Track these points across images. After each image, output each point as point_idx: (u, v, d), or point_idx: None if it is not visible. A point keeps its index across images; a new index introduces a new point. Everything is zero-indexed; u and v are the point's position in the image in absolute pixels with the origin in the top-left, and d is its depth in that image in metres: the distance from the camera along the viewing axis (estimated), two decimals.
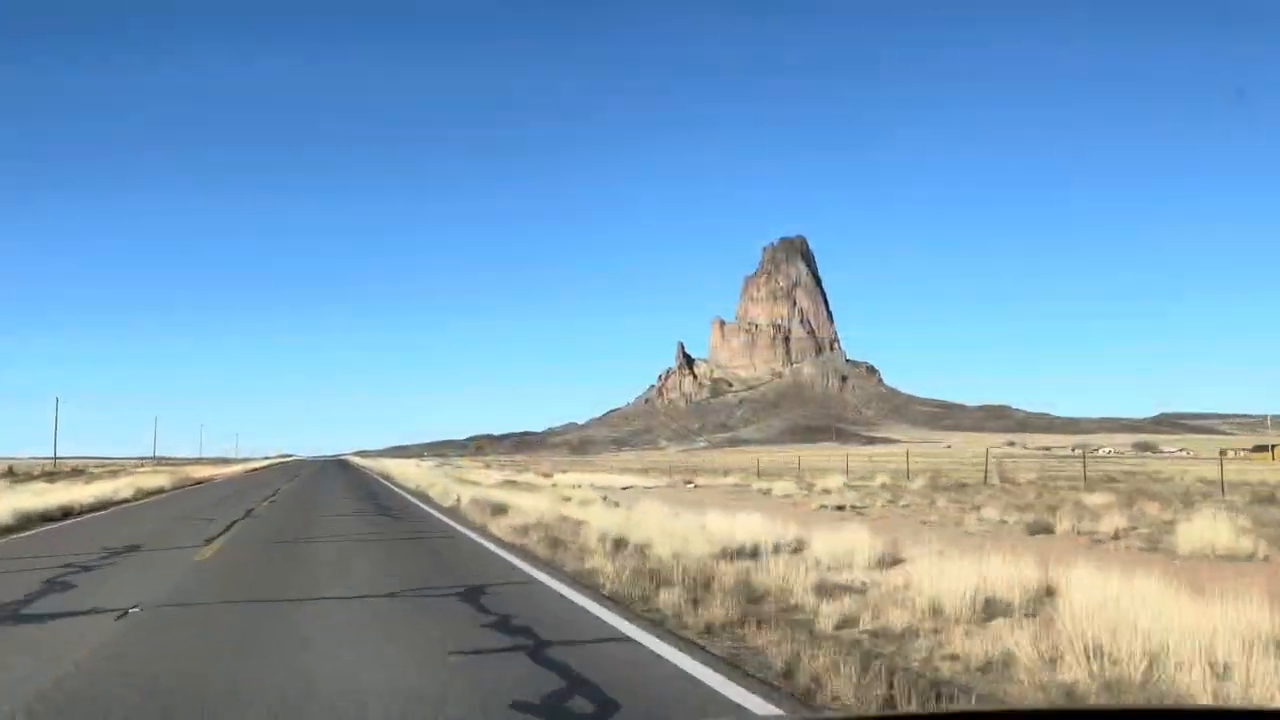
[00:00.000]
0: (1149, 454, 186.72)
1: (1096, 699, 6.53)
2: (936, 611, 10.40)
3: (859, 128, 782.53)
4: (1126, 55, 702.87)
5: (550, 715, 5.89)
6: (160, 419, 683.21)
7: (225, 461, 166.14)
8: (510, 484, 46.97)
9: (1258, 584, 9.74)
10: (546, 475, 66.23)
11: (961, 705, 6.13)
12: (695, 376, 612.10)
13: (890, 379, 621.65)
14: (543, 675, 6.84)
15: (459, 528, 20.66)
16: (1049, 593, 11.51)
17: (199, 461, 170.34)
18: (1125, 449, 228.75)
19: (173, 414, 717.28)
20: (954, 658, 8.01)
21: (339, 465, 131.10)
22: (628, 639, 8.31)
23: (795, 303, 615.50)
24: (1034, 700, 6.59)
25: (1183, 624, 7.78)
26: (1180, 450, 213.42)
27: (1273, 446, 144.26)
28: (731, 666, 7.39)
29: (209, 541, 17.50)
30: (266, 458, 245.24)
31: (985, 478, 39.34)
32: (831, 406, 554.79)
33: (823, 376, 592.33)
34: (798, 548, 16.53)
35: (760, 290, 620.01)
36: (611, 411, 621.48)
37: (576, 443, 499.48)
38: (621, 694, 6.34)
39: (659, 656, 7.67)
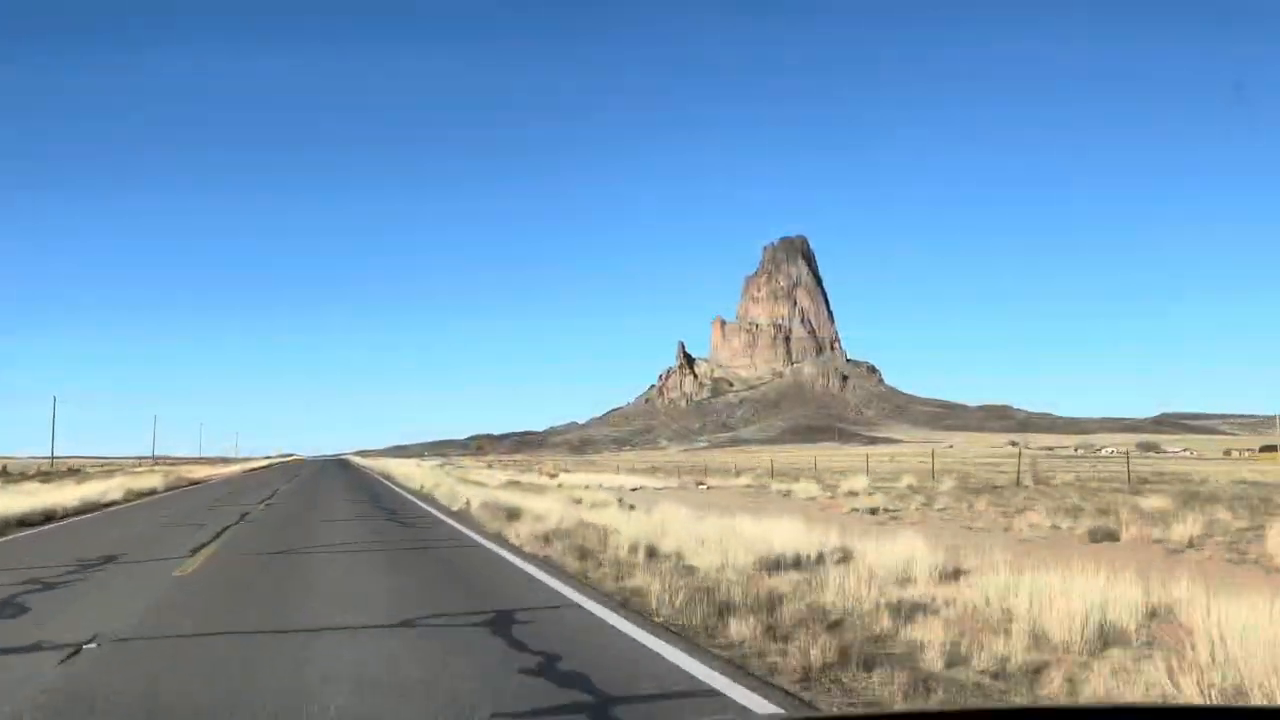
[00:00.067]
0: (1153, 454, 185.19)
1: None
2: (1041, 639, 8.71)
3: (859, 128, 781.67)
4: (1126, 55, 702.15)
5: None
6: (160, 419, 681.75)
7: (225, 461, 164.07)
8: (515, 484, 45.28)
9: None
10: (551, 475, 64.43)
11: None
12: (696, 376, 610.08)
13: (891, 379, 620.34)
14: None
15: (472, 535, 18.83)
16: (1153, 614, 9.83)
17: (198, 461, 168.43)
18: (1128, 449, 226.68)
19: (173, 414, 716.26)
20: None
21: (339, 465, 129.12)
22: (713, 691, 6.48)
23: (796, 302, 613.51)
24: None
25: None
26: (1184, 450, 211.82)
27: None
28: None
29: (195, 551, 15.67)
30: (267, 457, 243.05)
31: (1018, 479, 37.49)
32: (832, 406, 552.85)
33: (823, 376, 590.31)
34: (844, 557, 14.88)
35: (761, 290, 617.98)
36: (612, 411, 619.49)
37: (577, 442, 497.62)
38: None
39: None
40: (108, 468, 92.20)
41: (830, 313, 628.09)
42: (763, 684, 6.74)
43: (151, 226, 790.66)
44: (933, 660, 7.84)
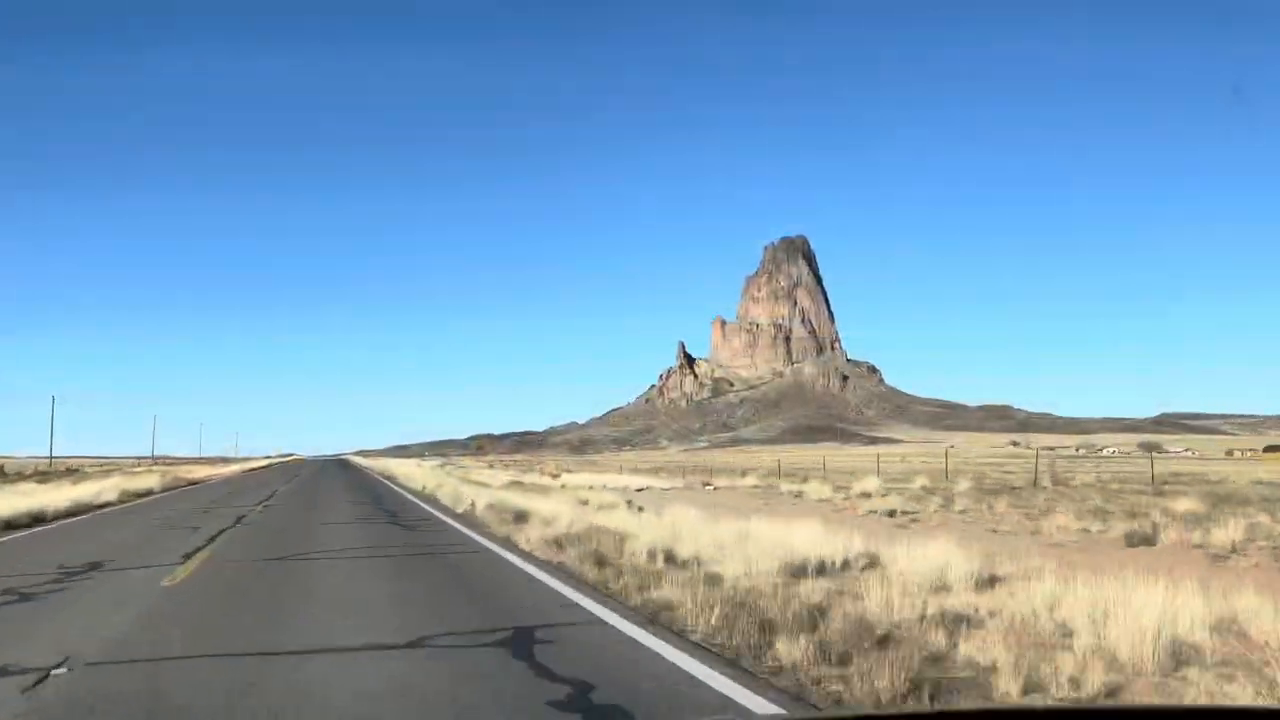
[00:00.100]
0: (1155, 454, 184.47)
1: None
2: (1109, 659, 7.86)
3: (859, 128, 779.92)
4: (1126, 55, 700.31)
5: None
6: (160, 419, 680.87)
7: (224, 461, 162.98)
8: (519, 485, 44.42)
9: None
10: (554, 476, 63.51)
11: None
12: (696, 376, 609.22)
13: (891, 379, 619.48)
14: None
15: (480, 539, 17.90)
16: (1218, 628, 9.00)
17: (198, 461, 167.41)
18: (1129, 449, 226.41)
19: (173, 414, 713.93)
20: None
21: (340, 465, 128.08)
22: None
23: (796, 302, 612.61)
24: None
25: None
26: (1186, 451, 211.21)
27: None
28: None
29: (188, 557, 14.76)
30: (267, 457, 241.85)
31: (1035, 480, 36.57)
32: (832, 406, 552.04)
33: (824, 376, 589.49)
34: (871, 562, 14.05)
35: (761, 290, 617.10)
36: (612, 411, 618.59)
37: (577, 442, 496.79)
38: None
39: None
40: (106, 468, 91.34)
41: (831, 313, 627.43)
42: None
43: (151, 226, 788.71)
44: (1006, 684, 6.97)
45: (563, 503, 25.34)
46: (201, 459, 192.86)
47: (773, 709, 5.93)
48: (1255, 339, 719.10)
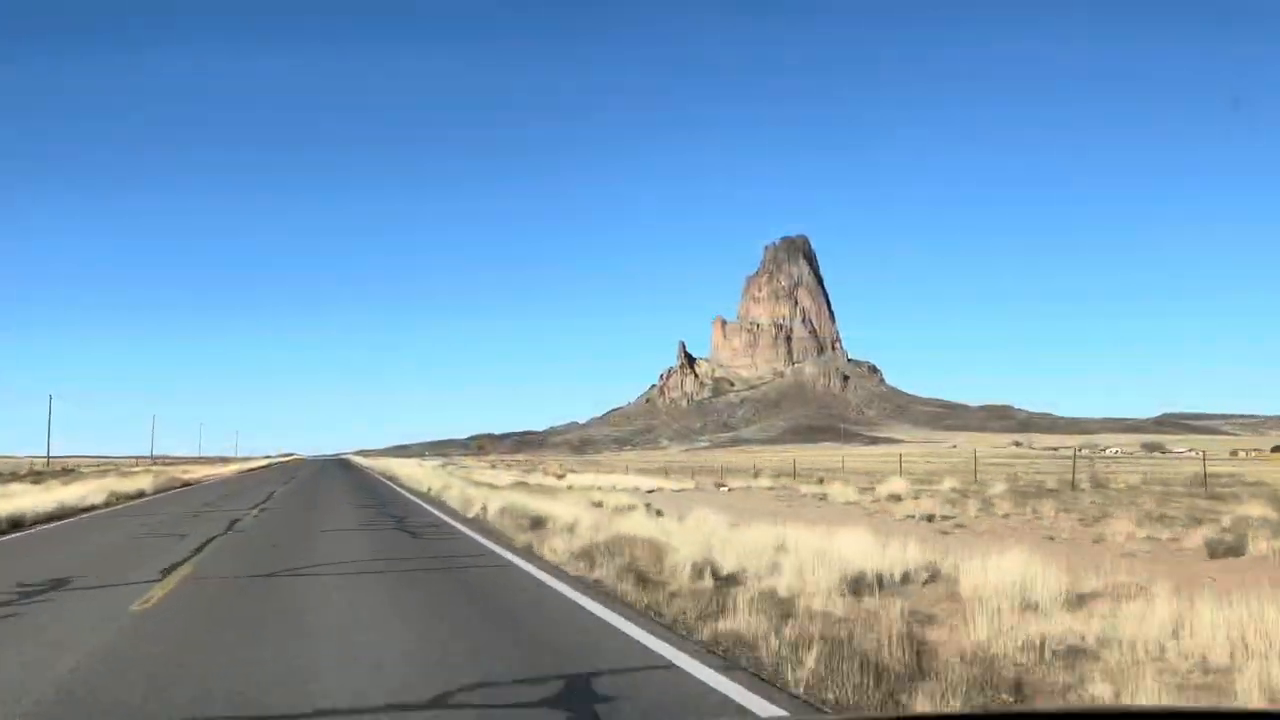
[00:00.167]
0: (1159, 454, 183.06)
1: None
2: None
3: (859, 128, 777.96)
4: (1126, 55, 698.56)
5: None
6: (160, 418, 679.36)
7: (224, 461, 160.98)
8: (523, 486, 42.72)
9: None
10: (559, 476, 61.67)
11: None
12: (697, 376, 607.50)
13: (892, 379, 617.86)
14: None
15: (499, 549, 16.06)
16: None
17: (197, 461, 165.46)
18: (1132, 449, 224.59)
19: (172, 413, 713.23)
20: None
21: (340, 465, 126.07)
22: None
23: (797, 302, 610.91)
24: None
25: None
26: (1189, 451, 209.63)
27: None
28: None
29: (167, 572, 12.95)
30: (267, 457, 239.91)
31: (1073, 482, 34.77)
32: (833, 406, 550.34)
33: (824, 376, 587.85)
34: (933, 575, 12.30)
35: (762, 290, 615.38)
36: (613, 411, 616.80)
37: (578, 442, 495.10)
38: None
39: None
40: (103, 468, 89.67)
41: (831, 312, 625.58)
42: None
43: (151, 226, 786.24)
44: None
45: (577, 506, 23.60)
46: (201, 459, 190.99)
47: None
48: (1256, 339, 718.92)
